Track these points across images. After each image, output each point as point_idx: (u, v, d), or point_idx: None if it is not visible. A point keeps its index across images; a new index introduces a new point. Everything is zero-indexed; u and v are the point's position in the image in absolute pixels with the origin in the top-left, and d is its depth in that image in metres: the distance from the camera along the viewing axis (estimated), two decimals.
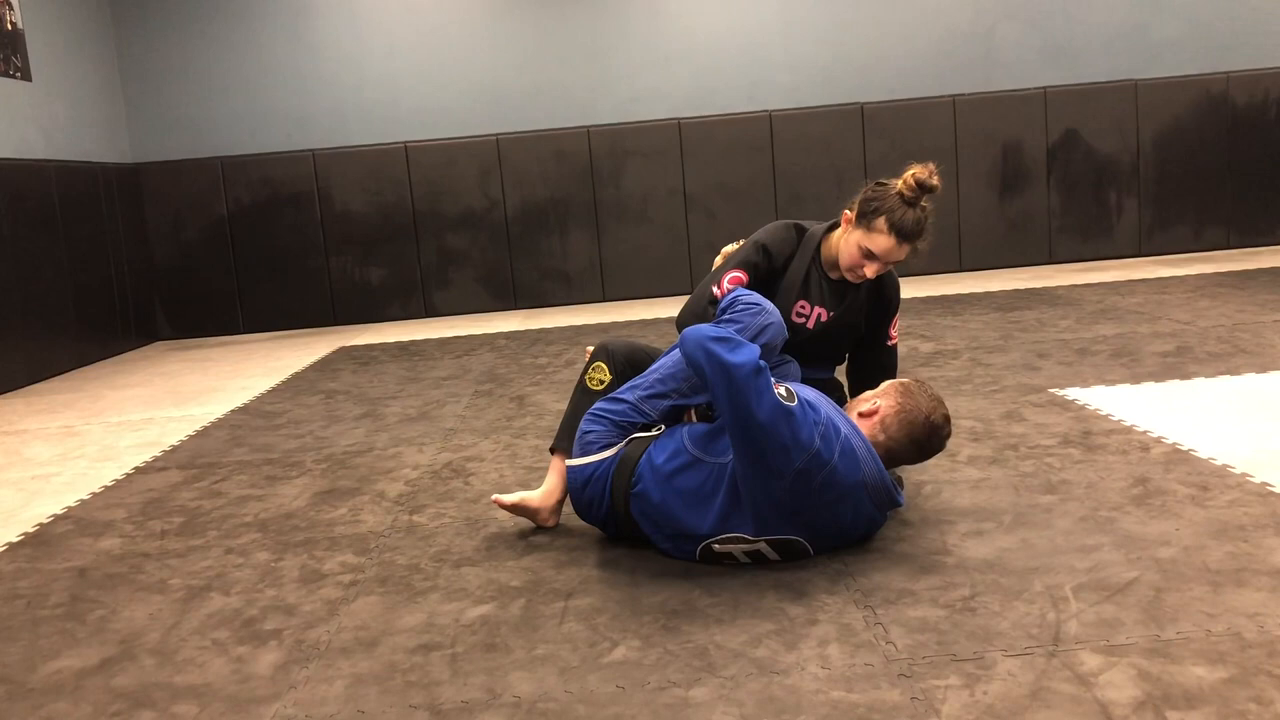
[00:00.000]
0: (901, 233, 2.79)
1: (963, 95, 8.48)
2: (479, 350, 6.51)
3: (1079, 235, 8.68)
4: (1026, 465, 3.22)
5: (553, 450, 2.95)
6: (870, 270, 2.88)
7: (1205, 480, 2.95)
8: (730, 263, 3.00)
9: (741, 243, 3.12)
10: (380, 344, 7.21)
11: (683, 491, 2.49)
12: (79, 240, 7.33)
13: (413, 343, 7.13)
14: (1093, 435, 3.50)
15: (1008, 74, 8.51)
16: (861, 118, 8.47)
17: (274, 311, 8.52)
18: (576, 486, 2.71)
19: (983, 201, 8.61)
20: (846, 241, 2.90)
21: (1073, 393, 4.12)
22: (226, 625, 2.46)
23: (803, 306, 3.03)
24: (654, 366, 2.77)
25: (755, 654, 2.09)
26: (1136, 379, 4.30)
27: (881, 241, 2.81)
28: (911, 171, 2.79)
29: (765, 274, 2.99)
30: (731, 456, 2.42)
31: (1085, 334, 5.39)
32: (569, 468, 2.73)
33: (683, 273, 8.50)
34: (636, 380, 2.77)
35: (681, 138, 8.46)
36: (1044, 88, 8.48)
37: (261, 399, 5.46)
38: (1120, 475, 3.06)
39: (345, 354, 6.88)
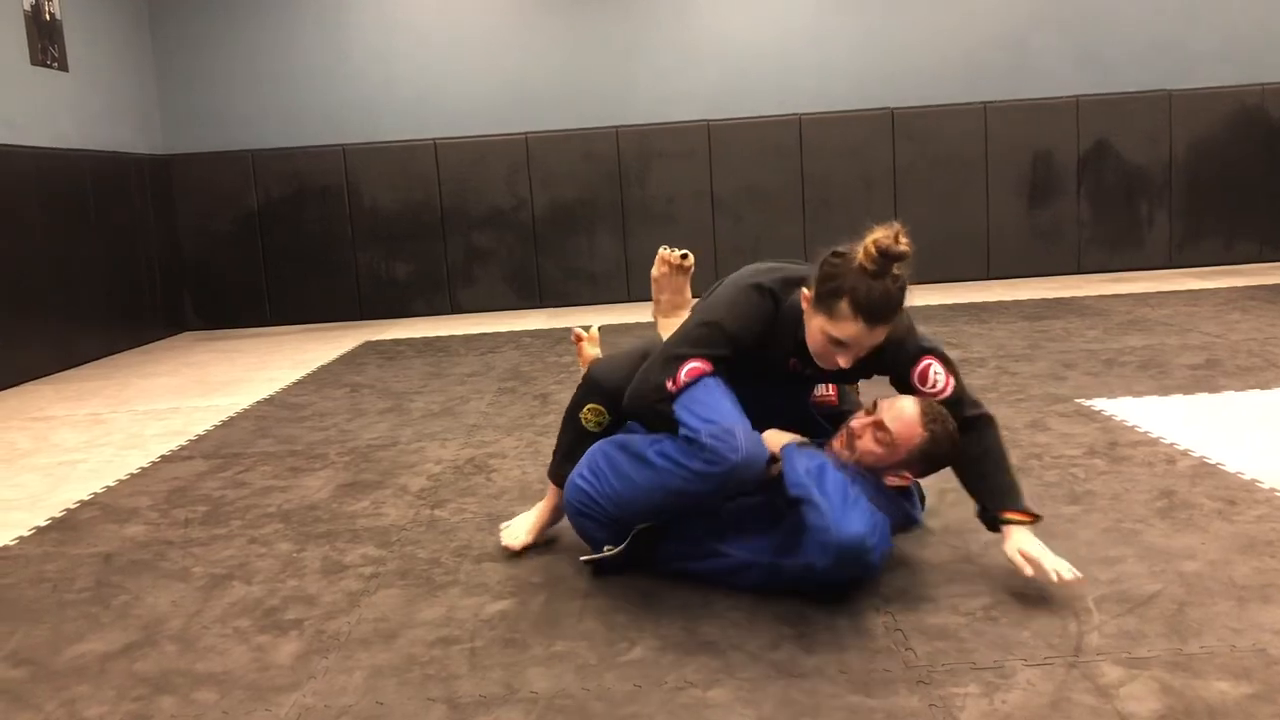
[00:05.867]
0: (870, 314, 2.20)
1: (994, 102, 8.43)
2: (503, 347, 6.53)
3: (1109, 246, 8.61)
4: (1051, 475, 3.20)
5: (550, 477, 2.78)
6: (844, 359, 2.30)
7: (1233, 494, 2.92)
8: (685, 343, 2.40)
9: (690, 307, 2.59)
10: (406, 339, 7.25)
11: (719, 569, 2.43)
12: (110, 230, 7.41)
13: (438, 339, 7.16)
14: (1119, 446, 3.47)
15: (1040, 82, 8.45)
16: (892, 123, 8.44)
17: (301, 305, 8.58)
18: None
19: (1012, 210, 8.56)
20: (810, 327, 2.32)
21: (1099, 403, 4.09)
22: (248, 614, 2.48)
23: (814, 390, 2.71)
24: (635, 491, 2.38)
25: (774, 657, 2.08)
26: (1165, 391, 4.26)
27: (848, 328, 2.22)
28: (873, 238, 2.20)
29: (730, 362, 2.41)
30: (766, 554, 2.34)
31: (1113, 345, 5.35)
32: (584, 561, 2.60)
33: (708, 275, 8.41)
34: (622, 492, 2.40)
35: (710, 140, 8.45)
36: (1076, 96, 8.42)
37: (287, 391, 5.50)
38: (1146, 487, 3.03)
39: (371, 348, 6.91)
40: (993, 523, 2.37)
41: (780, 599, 2.34)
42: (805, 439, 2.45)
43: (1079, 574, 2.22)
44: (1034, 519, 2.35)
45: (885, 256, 2.17)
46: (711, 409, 2.26)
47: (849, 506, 2.16)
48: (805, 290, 2.32)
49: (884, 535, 2.22)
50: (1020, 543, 2.29)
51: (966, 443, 2.39)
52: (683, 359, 2.35)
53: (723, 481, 2.22)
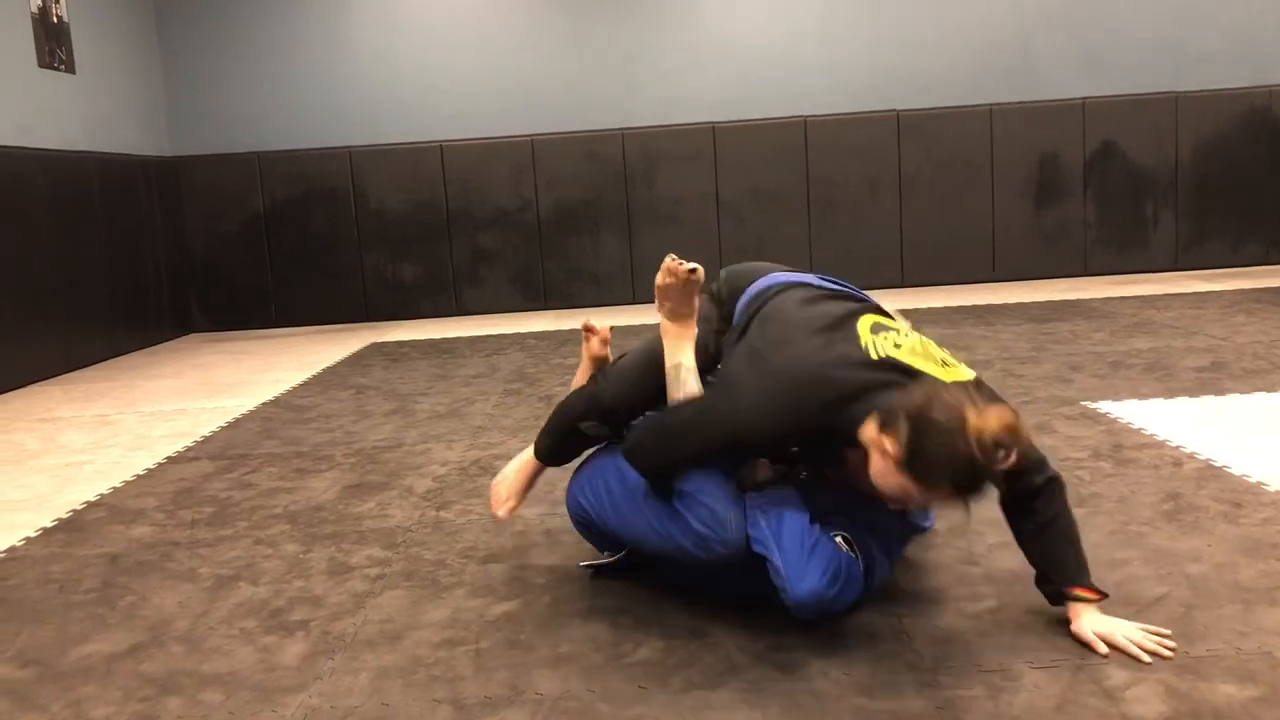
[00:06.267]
0: (971, 492, 2.02)
1: (1000, 105, 8.42)
2: (509, 349, 6.54)
3: (1115, 248, 8.60)
4: None
5: (536, 452, 2.66)
6: (915, 507, 2.27)
7: (1238, 497, 2.92)
8: (701, 440, 2.23)
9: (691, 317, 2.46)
10: (411, 341, 7.26)
11: (716, 582, 2.41)
12: (117, 232, 7.43)
13: (444, 340, 7.17)
14: (1124, 449, 3.47)
15: (1046, 84, 8.44)
16: (897, 125, 8.43)
17: (307, 306, 8.59)
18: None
19: (1018, 212, 8.55)
20: (888, 479, 2.05)
21: (1105, 406, 4.08)
22: (254, 615, 2.49)
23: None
24: (629, 533, 2.38)
25: (779, 658, 2.09)
26: (1170, 393, 4.25)
27: (942, 500, 2.07)
28: (991, 435, 1.92)
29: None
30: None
31: (1119, 347, 5.34)
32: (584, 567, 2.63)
33: (712, 277, 8.47)
34: (617, 528, 2.40)
35: (716, 142, 8.45)
36: (1082, 98, 8.41)
37: (293, 392, 5.51)
38: (1151, 490, 3.02)
39: (376, 350, 6.92)
40: (1056, 596, 2.20)
41: None
42: (780, 468, 2.39)
43: (1164, 641, 2.06)
44: (1102, 596, 2.16)
45: (1000, 450, 1.95)
46: (707, 491, 2.19)
47: (805, 560, 2.10)
48: (889, 446, 2.00)
49: (850, 579, 2.15)
50: (1092, 623, 2.12)
51: (1034, 510, 2.19)
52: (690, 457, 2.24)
53: (708, 562, 2.19)
